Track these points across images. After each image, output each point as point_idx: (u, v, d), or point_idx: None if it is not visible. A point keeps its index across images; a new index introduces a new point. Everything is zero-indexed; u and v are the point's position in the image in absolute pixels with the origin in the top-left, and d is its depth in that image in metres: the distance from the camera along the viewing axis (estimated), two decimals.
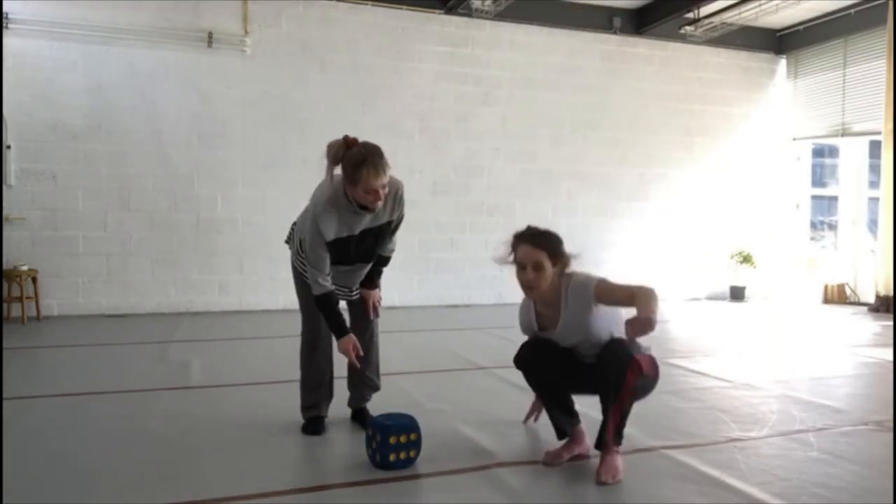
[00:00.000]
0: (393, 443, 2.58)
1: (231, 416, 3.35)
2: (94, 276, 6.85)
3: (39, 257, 6.61)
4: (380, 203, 2.75)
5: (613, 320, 2.66)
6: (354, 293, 3.09)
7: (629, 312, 2.48)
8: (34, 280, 6.46)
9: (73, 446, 2.86)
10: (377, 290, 3.14)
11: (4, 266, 6.29)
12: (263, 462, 2.72)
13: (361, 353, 2.90)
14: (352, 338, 2.88)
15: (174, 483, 2.50)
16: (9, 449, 2.76)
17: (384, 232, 2.95)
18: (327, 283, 2.84)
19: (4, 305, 6.27)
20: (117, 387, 3.87)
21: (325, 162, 2.73)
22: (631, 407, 2.58)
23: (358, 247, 2.89)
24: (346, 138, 2.71)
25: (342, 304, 2.95)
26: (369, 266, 3.06)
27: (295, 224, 3.10)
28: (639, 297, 2.47)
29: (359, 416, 3.16)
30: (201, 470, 2.64)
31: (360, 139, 2.76)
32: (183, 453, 2.83)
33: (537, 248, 2.60)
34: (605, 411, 2.57)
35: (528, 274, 2.60)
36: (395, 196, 2.89)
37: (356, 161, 2.64)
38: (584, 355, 2.71)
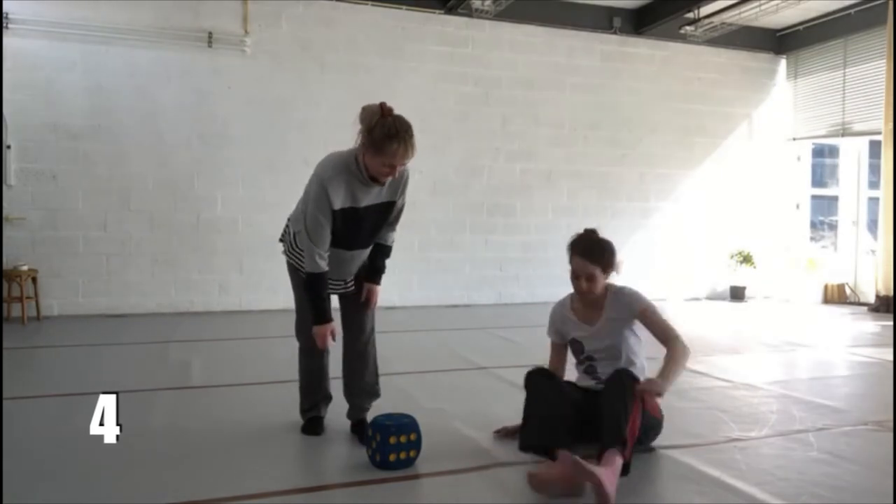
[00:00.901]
0: (393, 443, 2.58)
1: (231, 416, 3.35)
2: (94, 276, 6.85)
3: (39, 257, 6.61)
4: (389, 179, 2.73)
5: (639, 345, 2.93)
6: (349, 284, 3.00)
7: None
8: (34, 280, 6.46)
9: (72, 446, 2.86)
10: (378, 287, 3.07)
11: (4, 266, 6.29)
12: (263, 462, 2.72)
13: (334, 340, 2.89)
14: (332, 325, 2.85)
15: (174, 483, 2.50)
16: (9, 449, 2.76)
17: (385, 213, 2.89)
18: (323, 264, 2.76)
19: (4, 305, 6.27)
20: (117, 387, 3.86)
21: (357, 126, 2.67)
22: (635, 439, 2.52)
23: (360, 224, 2.82)
24: (382, 105, 2.63)
25: (335, 305, 2.92)
26: (366, 253, 3.01)
27: (289, 220, 3.07)
28: (672, 349, 2.75)
29: (359, 427, 3.02)
30: (201, 470, 2.64)
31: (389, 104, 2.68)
32: (183, 453, 2.83)
33: (592, 263, 2.81)
34: (617, 416, 2.48)
35: (581, 284, 2.83)
36: (402, 178, 2.86)
37: (389, 132, 2.57)
38: (597, 372, 2.87)
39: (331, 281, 2.89)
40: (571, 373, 3.07)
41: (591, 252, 2.83)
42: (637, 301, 2.87)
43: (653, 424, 2.80)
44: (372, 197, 2.80)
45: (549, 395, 2.70)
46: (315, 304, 2.83)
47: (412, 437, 2.63)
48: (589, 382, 2.94)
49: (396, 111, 2.68)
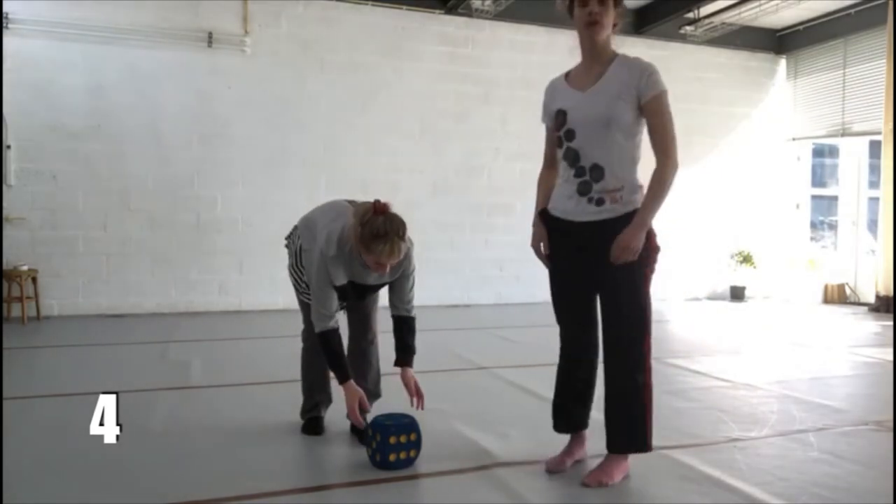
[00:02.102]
0: (393, 443, 2.58)
1: (231, 416, 3.35)
2: (94, 276, 6.85)
3: (39, 257, 6.61)
4: (382, 272, 2.70)
5: (636, 134, 2.48)
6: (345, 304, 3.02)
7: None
8: (34, 280, 6.46)
9: (73, 446, 2.86)
10: (411, 371, 2.90)
11: (4, 266, 6.29)
12: (263, 462, 2.72)
13: (368, 409, 2.81)
14: (358, 392, 2.74)
15: (174, 483, 2.50)
16: (9, 449, 2.76)
17: (388, 284, 2.90)
18: (332, 323, 2.75)
19: (4, 305, 6.27)
20: (117, 387, 3.86)
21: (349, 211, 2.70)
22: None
23: (363, 293, 2.89)
24: (375, 204, 2.59)
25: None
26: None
27: (296, 228, 3.04)
28: (659, 169, 2.39)
29: (358, 427, 2.98)
30: (201, 470, 2.64)
31: (384, 199, 2.63)
32: (183, 453, 2.83)
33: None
34: (622, 414, 2.50)
35: (592, 5, 2.37)
36: (405, 257, 2.81)
37: (377, 232, 2.54)
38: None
39: None
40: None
41: None
42: (651, 79, 2.35)
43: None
44: (374, 278, 2.81)
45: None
46: (331, 362, 2.79)
47: (412, 436, 2.63)
48: (578, 208, 2.47)
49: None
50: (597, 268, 2.44)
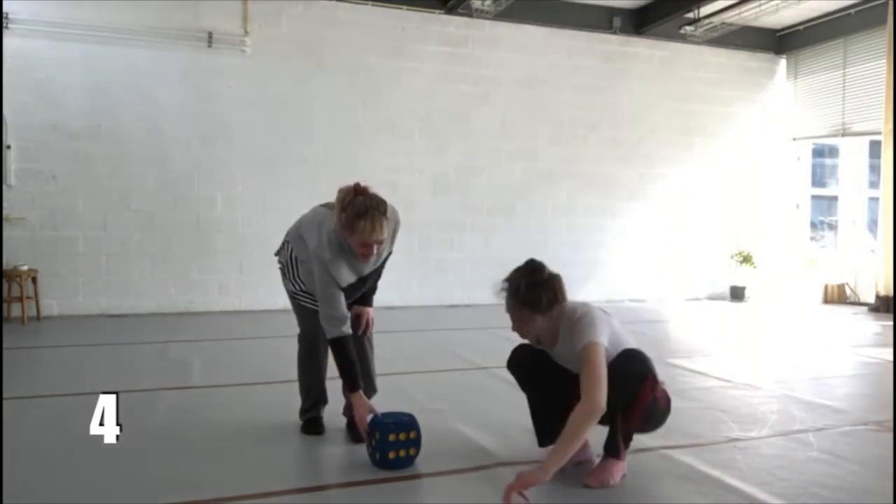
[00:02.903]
0: (392, 440, 2.58)
1: (231, 416, 3.35)
2: (94, 276, 6.85)
3: (39, 257, 6.61)
4: (373, 256, 2.72)
5: (616, 344, 2.52)
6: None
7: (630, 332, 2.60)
8: (34, 280, 6.46)
9: (73, 446, 2.86)
10: (371, 309, 3.09)
11: (4, 266, 6.28)
12: (263, 462, 2.72)
13: (377, 414, 2.80)
14: (368, 403, 2.79)
15: (174, 483, 2.50)
16: (9, 449, 2.76)
17: (385, 263, 2.95)
18: (345, 328, 2.76)
19: (4, 305, 6.26)
20: (117, 387, 3.86)
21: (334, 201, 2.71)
22: (638, 428, 2.55)
23: (364, 283, 2.90)
24: (356, 185, 2.66)
25: None
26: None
27: (287, 238, 3.05)
28: (574, 413, 2.31)
29: (353, 426, 3.01)
30: (201, 470, 2.64)
31: (364, 183, 2.69)
32: (183, 453, 2.83)
33: (522, 322, 2.52)
34: (613, 422, 2.50)
35: (522, 334, 2.59)
36: (394, 230, 2.87)
37: (358, 211, 2.59)
38: None
39: None
40: None
41: (518, 303, 2.49)
42: (580, 339, 2.43)
43: (656, 414, 2.55)
44: (371, 264, 2.84)
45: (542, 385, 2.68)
46: (343, 369, 2.80)
47: (412, 434, 2.63)
48: None
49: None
50: None
